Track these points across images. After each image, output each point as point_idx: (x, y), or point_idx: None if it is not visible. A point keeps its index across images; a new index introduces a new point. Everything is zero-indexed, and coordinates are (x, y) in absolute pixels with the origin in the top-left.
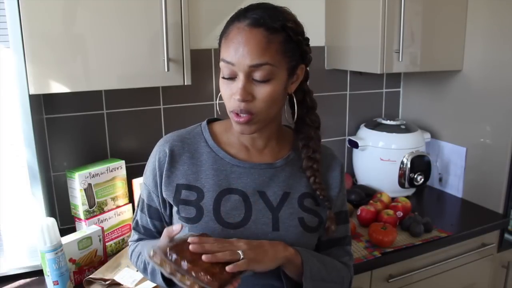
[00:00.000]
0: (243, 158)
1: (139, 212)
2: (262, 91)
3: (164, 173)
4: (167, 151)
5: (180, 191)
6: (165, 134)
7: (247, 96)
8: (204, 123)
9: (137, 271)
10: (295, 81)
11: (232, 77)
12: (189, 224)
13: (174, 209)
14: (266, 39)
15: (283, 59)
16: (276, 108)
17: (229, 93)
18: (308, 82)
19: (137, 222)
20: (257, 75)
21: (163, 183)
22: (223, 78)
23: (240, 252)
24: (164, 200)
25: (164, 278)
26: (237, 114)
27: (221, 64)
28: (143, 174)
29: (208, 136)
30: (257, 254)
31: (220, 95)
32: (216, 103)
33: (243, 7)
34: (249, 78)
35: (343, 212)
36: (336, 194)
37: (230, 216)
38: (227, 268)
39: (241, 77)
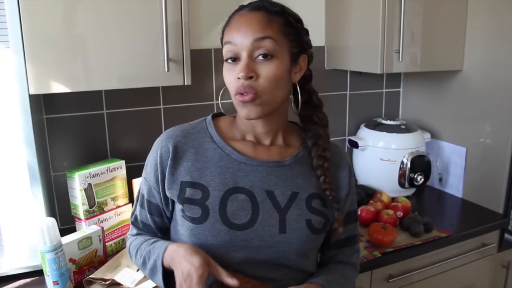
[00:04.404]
0: (250, 155)
1: (138, 207)
2: (265, 69)
3: (167, 170)
4: (171, 148)
5: (184, 189)
6: None
7: (250, 72)
8: (209, 118)
9: (137, 270)
10: (298, 71)
11: (235, 59)
12: (194, 224)
13: (178, 207)
14: (267, 18)
15: (285, 41)
16: (280, 92)
17: (233, 76)
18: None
19: (136, 217)
20: (260, 51)
21: (166, 181)
22: (227, 63)
23: None
24: (166, 197)
25: (164, 277)
26: (241, 94)
27: (224, 48)
28: (144, 169)
29: (213, 132)
30: None
31: (221, 93)
32: (218, 103)
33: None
34: (252, 56)
35: (353, 212)
36: (345, 195)
37: (236, 216)
38: None
39: (244, 56)
